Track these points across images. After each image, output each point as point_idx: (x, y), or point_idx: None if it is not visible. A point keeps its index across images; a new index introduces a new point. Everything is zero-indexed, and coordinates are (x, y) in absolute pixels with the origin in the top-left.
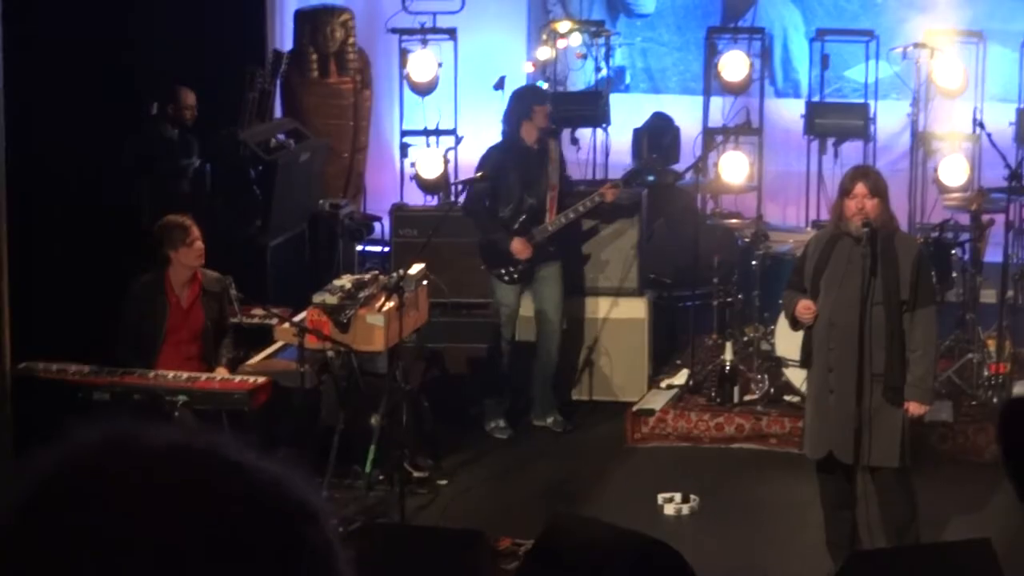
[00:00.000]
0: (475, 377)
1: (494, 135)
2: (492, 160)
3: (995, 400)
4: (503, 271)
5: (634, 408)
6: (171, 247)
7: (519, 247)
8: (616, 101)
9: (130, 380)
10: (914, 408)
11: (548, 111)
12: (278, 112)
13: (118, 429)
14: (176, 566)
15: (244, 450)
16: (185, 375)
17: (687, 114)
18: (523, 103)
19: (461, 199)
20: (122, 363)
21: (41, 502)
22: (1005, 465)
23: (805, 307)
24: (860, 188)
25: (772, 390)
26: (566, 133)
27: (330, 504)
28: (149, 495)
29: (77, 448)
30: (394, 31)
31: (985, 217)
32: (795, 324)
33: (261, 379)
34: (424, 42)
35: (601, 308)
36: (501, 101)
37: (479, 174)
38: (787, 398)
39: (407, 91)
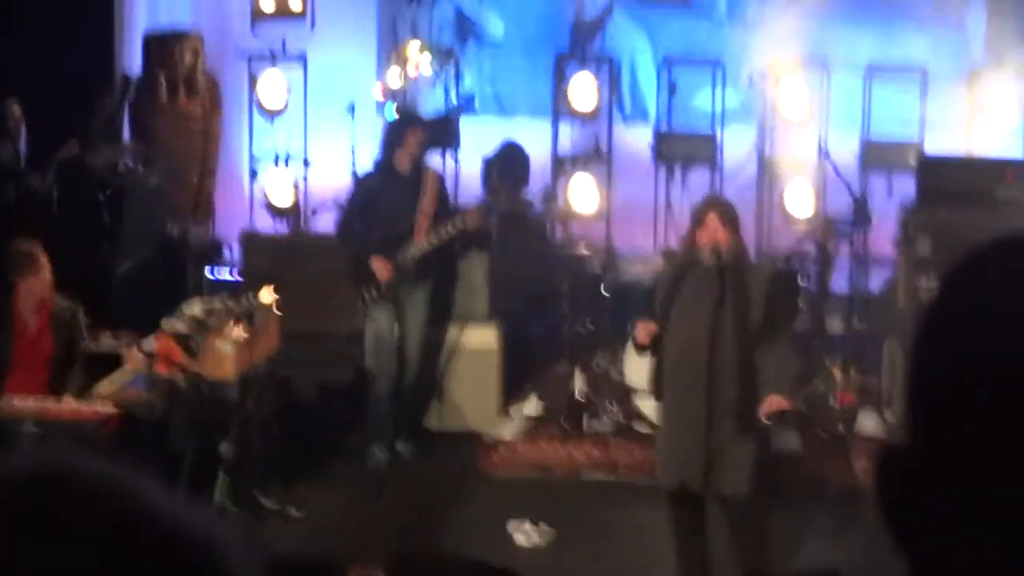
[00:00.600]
0: (326, 405)
1: (344, 160)
2: (363, 185)
3: (842, 430)
4: (364, 292)
5: (484, 437)
6: (17, 275)
7: (379, 266)
8: (466, 125)
9: None
10: (775, 402)
11: (420, 138)
12: (127, 136)
13: (50, 462)
14: None
15: (149, 486)
16: (33, 403)
17: (537, 140)
18: (395, 130)
19: (314, 224)
20: None
21: None
22: (882, 513)
23: (644, 328)
24: (712, 218)
25: (622, 419)
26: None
27: (237, 536)
28: (42, 534)
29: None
30: (244, 55)
31: (830, 246)
32: (642, 351)
33: (110, 408)
34: (274, 64)
35: (451, 336)
36: (351, 126)
37: (331, 200)
38: (637, 427)
39: (256, 116)
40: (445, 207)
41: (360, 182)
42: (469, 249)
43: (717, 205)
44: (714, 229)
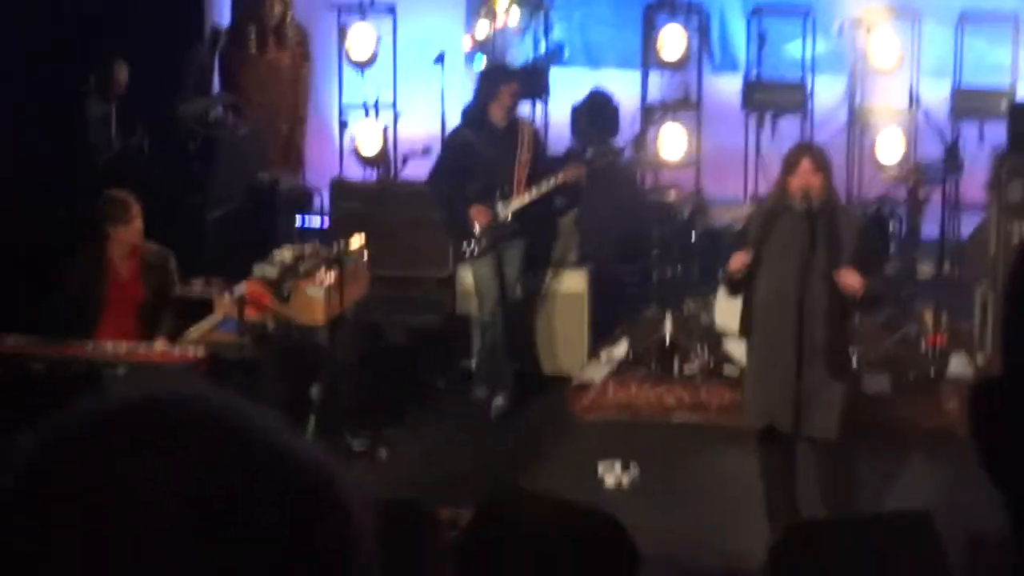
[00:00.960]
0: (415, 350)
1: (433, 110)
2: (457, 138)
3: (932, 373)
4: (464, 244)
5: (575, 381)
6: (110, 224)
7: (477, 212)
8: (555, 76)
9: (68, 351)
10: (851, 278)
11: (515, 90)
12: (217, 87)
13: (137, 393)
14: (195, 524)
15: (254, 412)
16: (124, 346)
17: (625, 89)
18: (489, 83)
19: (403, 172)
20: (59, 336)
21: (54, 457)
22: (974, 447)
23: (737, 257)
24: (805, 164)
25: (712, 362)
26: None
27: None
28: (171, 455)
29: (95, 409)
30: (333, 6)
31: (922, 192)
32: (733, 285)
33: (201, 351)
34: (363, 17)
35: (542, 281)
36: (440, 76)
37: (421, 148)
38: (727, 371)
39: (346, 66)
40: (542, 159)
41: (454, 135)
42: (564, 201)
43: (810, 151)
44: (806, 174)
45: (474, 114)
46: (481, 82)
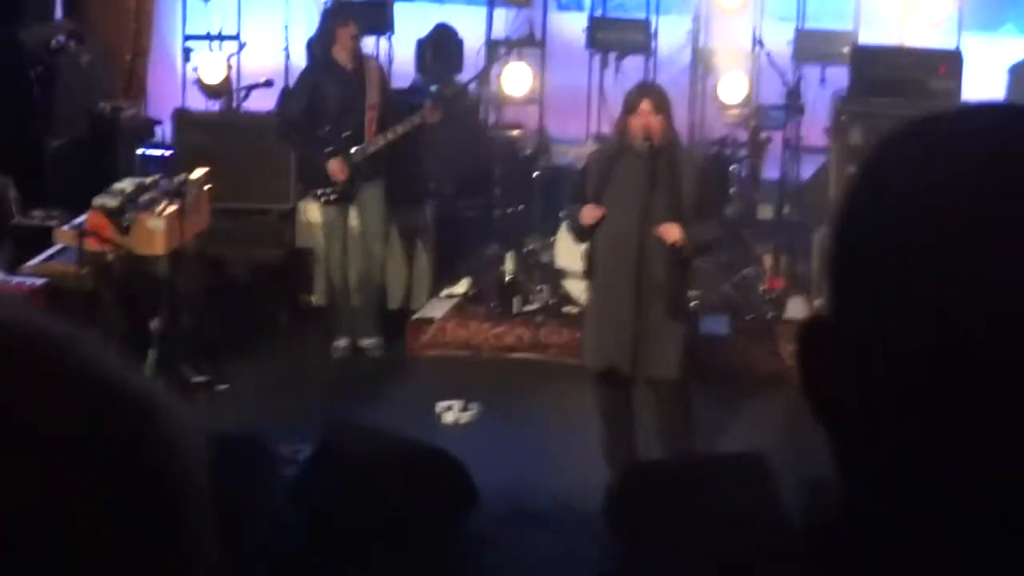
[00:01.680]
0: (256, 283)
1: (277, 41)
2: (306, 81)
3: (770, 315)
4: (320, 192)
5: (414, 317)
6: None
7: (335, 168)
8: (400, 10)
9: None
10: (671, 231)
11: (353, 32)
12: (59, 14)
13: None
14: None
15: (83, 339)
16: None
17: (471, 26)
18: (326, 26)
19: (246, 103)
20: None
21: None
22: (803, 389)
23: (589, 210)
24: (645, 105)
25: (552, 301)
26: None
27: (182, 403)
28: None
29: None
30: None
31: (763, 134)
32: (581, 234)
33: (39, 281)
34: None
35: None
36: (285, 8)
37: (264, 80)
38: (566, 309)
39: None
40: (389, 99)
41: (303, 77)
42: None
43: (650, 92)
44: (646, 115)
45: (320, 57)
46: (323, 23)
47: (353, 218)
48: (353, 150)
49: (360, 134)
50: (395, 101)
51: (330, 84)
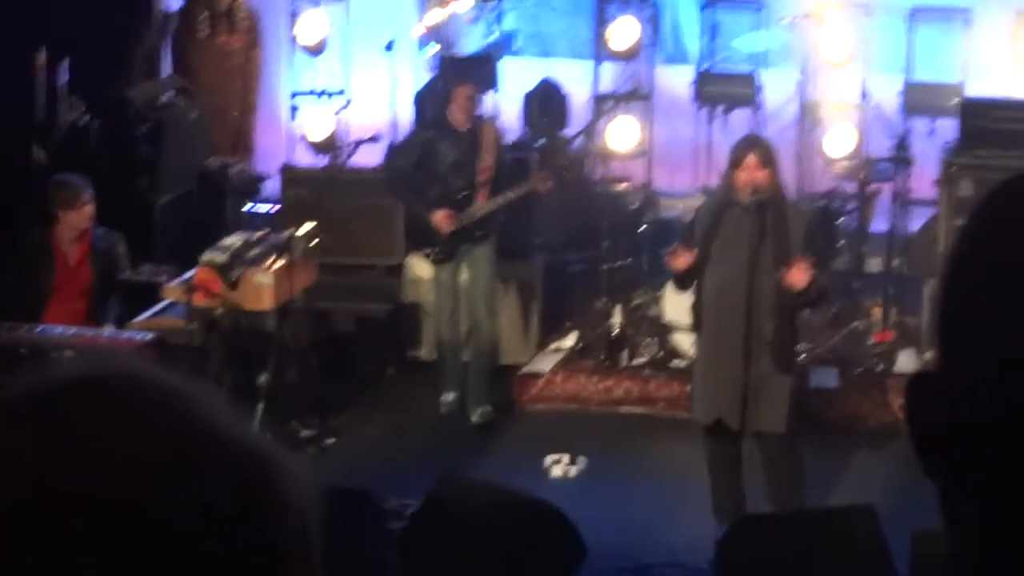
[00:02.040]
0: (364, 337)
1: (384, 96)
2: (416, 137)
3: (880, 368)
4: (428, 250)
5: (522, 371)
6: (60, 208)
7: (442, 222)
8: (506, 65)
9: (15, 334)
10: (796, 276)
11: (470, 93)
12: (166, 71)
13: (77, 369)
14: (122, 502)
15: (198, 392)
16: (72, 330)
17: (577, 80)
18: (443, 84)
19: (352, 158)
20: (4, 317)
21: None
22: (912, 441)
23: (680, 253)
24: (751, 159)
25: (660, 354)
26: None
27: (292, 457)
28: (107, 430)
29: (34, 384)
30: None
31: (871, 187)
32: (680, 283)
33: (148, 336)
34: (315, 2)
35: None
36: (391, 63)
37: (370, 135)
38: (675, 363)
39: (297, 51)
40: (503, 162)
41: (415, 136)
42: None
43: (756, 146)
44: (753, 169)
45: (433, 115)
46: (438, 81)
47: (463, 276)
48: (462, 213)
49: (471, 196)
50: (509, 164)
51: (443, 143)
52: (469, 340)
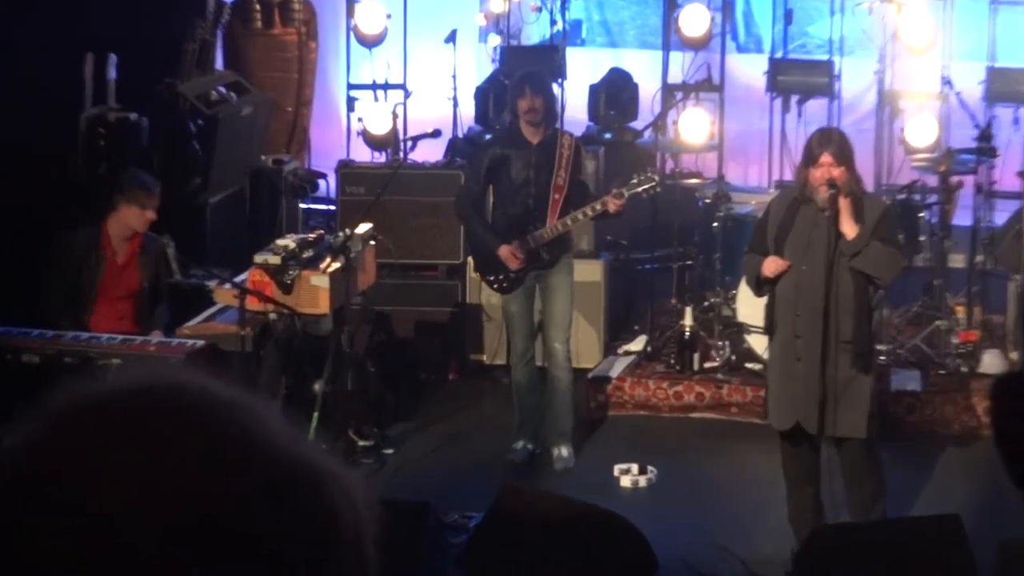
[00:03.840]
0: (424, 342)
1: (444, 90)
2: (484, 154)
3: (964, 369)
4: (492, 278)
5: (590, 375)
6: (128, 201)
7: (507, 255)
8: (572, 55)
9: (61, 342)
10: (848, 225)
11: (530, 104)
12: (219, 64)
13: (128, 380)
14: (181, 521)
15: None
16: (119, 338)
17: (645, 69)
18: (510, 96)
19: (411, 154)
20: (50, 318)
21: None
22: (997, 445)
23: (773, 261)
24: (826, 158)
25: (734, 357)
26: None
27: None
28: (162, 446)
29: (84, 396)
30: None
31: (953, 179)
32: (758, 288)
33: (199, 343)
34: None
35: None
36: (452, 55)
37: (431, 131)
38: (749, 366)
39: (354, 43)
40: (581, 181)
41: (484, 152)
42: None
43: (830, 143)
44: (828, 167)
45: (504, 128)
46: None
47: (536, 305)
48: (530, 236)
49: (541, 217)
50: (586, 185)
51: (513, 160)
52: (547, 384)
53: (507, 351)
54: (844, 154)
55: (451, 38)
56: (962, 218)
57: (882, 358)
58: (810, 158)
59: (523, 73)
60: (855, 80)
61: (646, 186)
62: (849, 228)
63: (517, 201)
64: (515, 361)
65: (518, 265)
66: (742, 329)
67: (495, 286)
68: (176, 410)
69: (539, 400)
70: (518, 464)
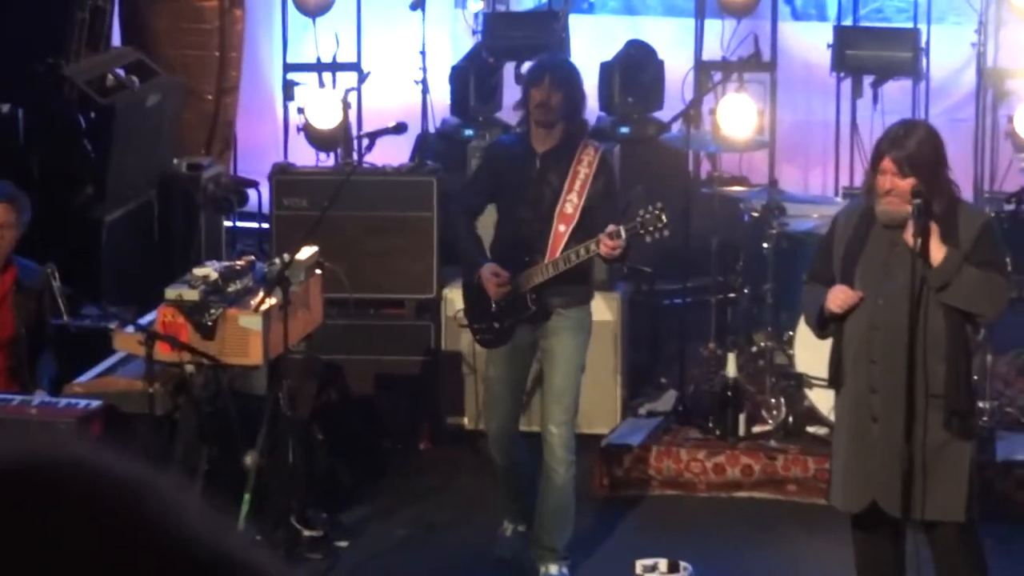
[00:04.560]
0: (387, 401)
1: (410, 71)
2: (492, 153)
3: None
4: (477, 325)
5: (603, 443)
6: None
7: (488, 276)
8: (577, 25)
9: None
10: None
11: (542, 97)
12: (116, 40)
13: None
14: None
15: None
16: None
17: (673, 43)
18: (524, 81)
19: (368, 156)
20: None
21: None
22: None
23: (841, 292)
24: (887, 164)
25: (791, 419)
26: (509, 68)
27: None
28: (40, 546)
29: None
30: None
31: None
32: (822, 327)
33: (94, 403)
34: None
35: None
36: (420, 27)
37: (393, 124)
38: (811, 430)
39: (292, 11)
40: (597, 210)
41: (492, 144)
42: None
43: (892, 145)
44: (890, 176)
45: (524, 124)
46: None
47: (533, 367)
48: (518, 276)
49: (540, 250)
50: (617, 209)
51: (515, 170)
52: (540, 478)
53: (486, 425)
54: (915, 161)
55: (419, 3)
56: None
57: (984, 418)
58: (875, 162)
59: (548, 57)
60: (947, 55)
61: (650, 228)
62: (936, 250)
63: (508, 229)
64: (490, 443)
65: (497, 294)
66: (801, 382)
67: (476, 336)
68: (60, 495)
69: (531, 480)
70: (508, 561)
